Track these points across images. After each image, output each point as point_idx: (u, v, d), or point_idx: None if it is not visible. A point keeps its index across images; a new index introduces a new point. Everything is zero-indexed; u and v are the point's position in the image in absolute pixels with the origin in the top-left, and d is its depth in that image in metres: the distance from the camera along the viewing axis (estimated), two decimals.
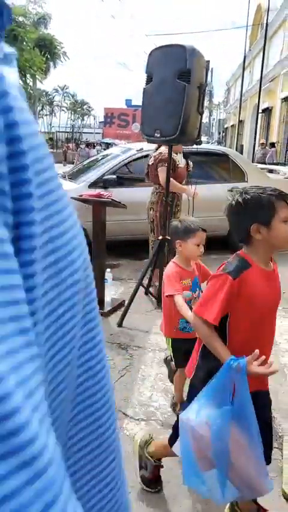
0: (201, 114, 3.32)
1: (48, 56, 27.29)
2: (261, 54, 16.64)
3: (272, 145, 15.68)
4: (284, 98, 15.53)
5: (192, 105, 3.14)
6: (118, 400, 2.38)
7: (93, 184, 4.89)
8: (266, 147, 15.68)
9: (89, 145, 17.79)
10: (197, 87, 3.14)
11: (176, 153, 3.90)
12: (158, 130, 3.22)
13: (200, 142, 3.47)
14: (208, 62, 3.30)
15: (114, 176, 4.92)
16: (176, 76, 3.05)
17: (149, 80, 3.27)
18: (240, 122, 25.18)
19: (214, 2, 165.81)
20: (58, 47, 28.82)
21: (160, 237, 3.54)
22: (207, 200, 4.82)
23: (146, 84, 3.30)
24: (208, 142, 16.19)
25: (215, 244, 4.20)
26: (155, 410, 2.31)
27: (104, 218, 3.47)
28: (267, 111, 18.79)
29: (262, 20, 19.47)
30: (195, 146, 3.58)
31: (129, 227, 5.09)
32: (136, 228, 5.09)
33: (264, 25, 16.71)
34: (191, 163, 4.23)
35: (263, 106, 18.28)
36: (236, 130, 27.57)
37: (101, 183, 4.91)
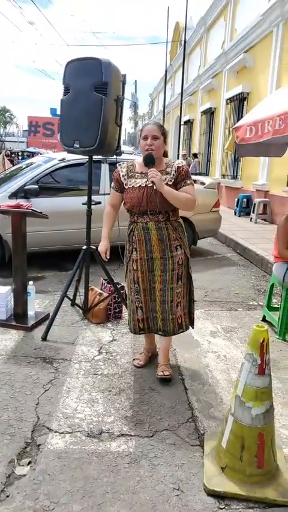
0: (119, 126, 3.38)
1: None
2: (181, 69, 17.38)
3: (195, 155, 16.40)
4: (203, 111, 16.30)
5: (110, 117, 3.20)
6: (42, 415, 2.32)
7: (14, 195, 4.75)
8: (188, 158, 16.34)
9: (13, 154, 17.21)
10: (114, 100, 3.22)
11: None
12: (78, 141, 3.24)
13: (119, 153, 3.53)
14: (124, 75, 3.39)
15: (36, 186, 4.82)
16: (93, 89, 3.10)
17: (67, 91, 3.28)
18: None
19: (137, 17, 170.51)
20: None
21: (84, 246, 3.53)
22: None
23: (64, 95, 3.30)
24: (133, 153, 16.45)
25: None
26: (80, 421, 2.28)
27: (24, 229, 3.39)
28: (189, 123, 19.62)
29: (180, 38, 20.35)
30: (115, 157, 3.63)
31: (53, 238, 5.01)
32: (60, 238, 5.03)
33: (183, 42, 17.48)
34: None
35: (184, 118, 19.06)
36: None
37: (22, 193, 4.79)
